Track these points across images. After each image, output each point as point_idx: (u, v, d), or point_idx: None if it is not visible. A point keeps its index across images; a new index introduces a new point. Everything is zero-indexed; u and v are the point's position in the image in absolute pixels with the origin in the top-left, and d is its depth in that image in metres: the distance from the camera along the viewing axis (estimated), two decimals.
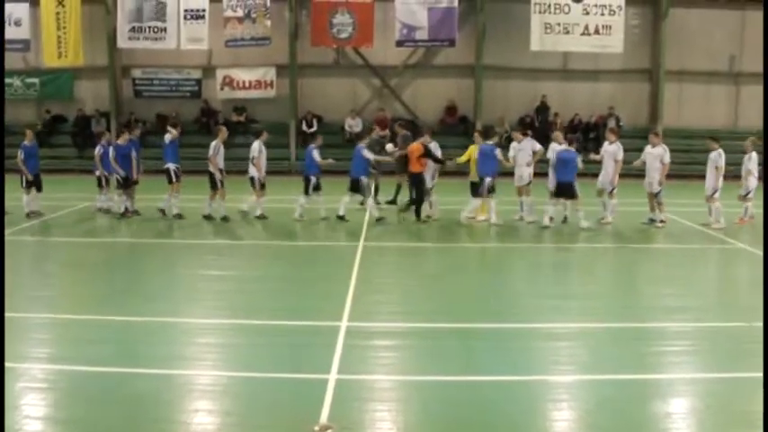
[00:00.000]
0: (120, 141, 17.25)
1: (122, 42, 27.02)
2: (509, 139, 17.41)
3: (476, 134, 17.35)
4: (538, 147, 16.92)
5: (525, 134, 17.33)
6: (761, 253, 13.43)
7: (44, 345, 8.57)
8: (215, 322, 9.48)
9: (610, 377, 7.66)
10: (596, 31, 25.99)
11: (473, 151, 16.59)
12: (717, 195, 16.38)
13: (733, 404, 6.98)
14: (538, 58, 27.46)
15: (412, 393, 7.29)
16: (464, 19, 27.38)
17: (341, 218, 16.49)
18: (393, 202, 18.47)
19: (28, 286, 11.19)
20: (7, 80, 28.22)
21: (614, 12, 25.97)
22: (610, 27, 26.00)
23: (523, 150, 16.68)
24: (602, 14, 25.93)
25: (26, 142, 17.34)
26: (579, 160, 16.12)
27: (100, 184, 17.70)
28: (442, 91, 28.74)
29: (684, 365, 8.12)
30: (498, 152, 16.21)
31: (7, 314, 8.76)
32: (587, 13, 25.87)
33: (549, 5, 25.82)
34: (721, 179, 16.31)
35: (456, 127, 28.02)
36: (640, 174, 17.06)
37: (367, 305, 10.16)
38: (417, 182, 16.58)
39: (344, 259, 12.89)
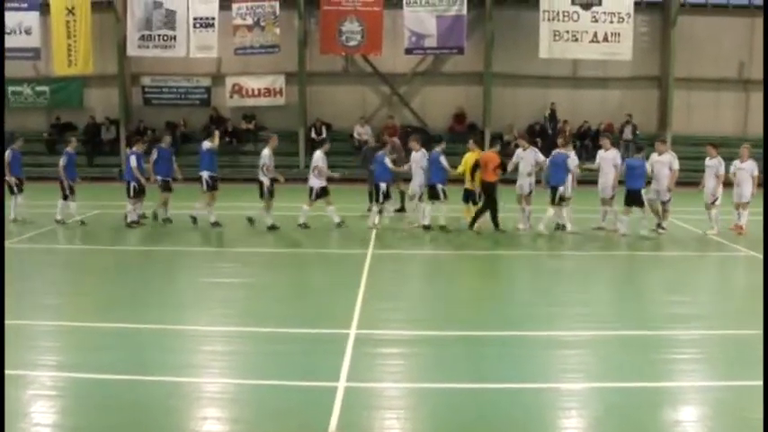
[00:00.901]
0: (138, 149, 17.08)
1: (132, 50, 27.19)
2: (517, 147, 17.31)
3: (470, 142, 17.35)
4: (541, 158, 16.60)
5: (533, 143, 17.24)
6: None
7: (53, 352, 8.59)
8: (224, 329, 9.51)
9: (618, 385, 7.64)
10: (605, 39, 25.95)
11: (470, 159, 16.56)
12: (718, 203, 16.34)
13: (742, 412, 6.95)
14: (546, 66, 27.47)
15: (421, 401, 7.29)
16: (473, 27, 27.39)
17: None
18: (401, 209, 18.50)
19: (38, 293, 11.22)
20: (17, 88, 28.50)
21: (623, 19, 25.91)
22: (619, 34, 25.95)
23: (525, 160, 16.51)
24: (611, 22, 25.87)
25: (69, 149, 17.46)
26: (647, 166, 16.06)
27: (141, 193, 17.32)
28: (451, 98, 28.76)
29: (693, 373, 8.10)
30: (570, 162, 16.12)
31: (16, 321, 8.84)
32: (596, 21, 25.83)
33: (558, 13, 25.81)
34: (721, 187, 16.32)
35: (465, 134, 27.94)
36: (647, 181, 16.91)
37: (376, 313, 10.17)
38: (492, 191, 16.25)
39: (353, 267, 12.89)
